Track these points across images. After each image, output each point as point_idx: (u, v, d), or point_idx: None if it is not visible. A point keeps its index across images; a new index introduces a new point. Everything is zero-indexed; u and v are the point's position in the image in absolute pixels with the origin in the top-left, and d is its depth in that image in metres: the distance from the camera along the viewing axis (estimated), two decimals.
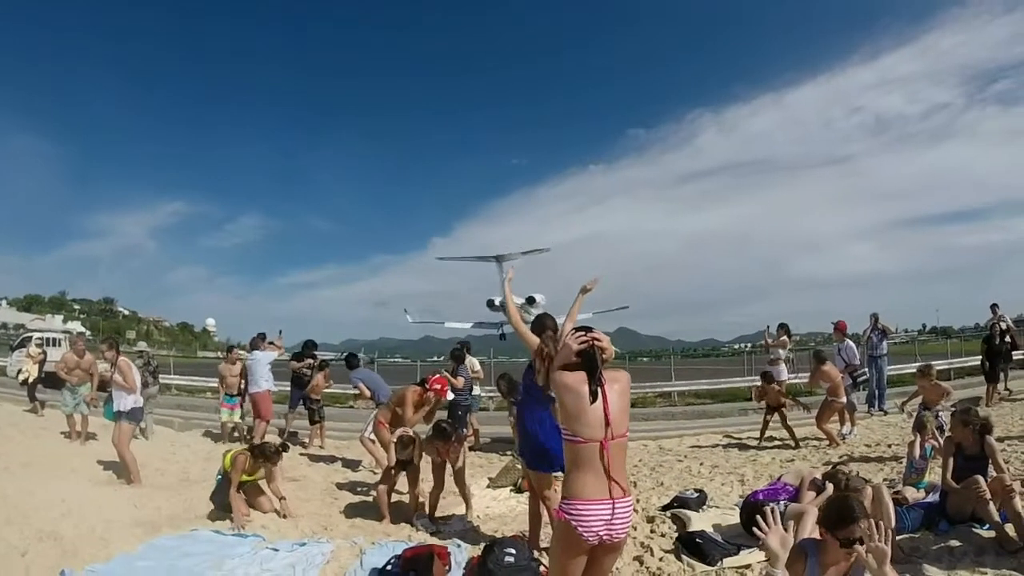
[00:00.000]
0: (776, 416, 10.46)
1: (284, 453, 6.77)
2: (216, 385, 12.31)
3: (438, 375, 8.28)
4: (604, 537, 2.96)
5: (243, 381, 10.91)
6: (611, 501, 2.97)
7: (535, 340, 4.74)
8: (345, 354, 10.44)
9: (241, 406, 11.13)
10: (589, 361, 3.05)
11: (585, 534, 2.93)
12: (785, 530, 3.01)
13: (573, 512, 2.96)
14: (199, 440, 11.35)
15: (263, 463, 6.58)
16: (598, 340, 3.08)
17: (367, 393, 9.45)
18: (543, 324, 4.83)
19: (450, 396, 8.71)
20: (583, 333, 3.11)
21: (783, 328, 12.67)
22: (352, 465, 9.56)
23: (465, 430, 10.36)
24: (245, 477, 6.48)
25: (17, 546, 4.91)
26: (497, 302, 25.08)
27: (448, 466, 6.58)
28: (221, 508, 6.45)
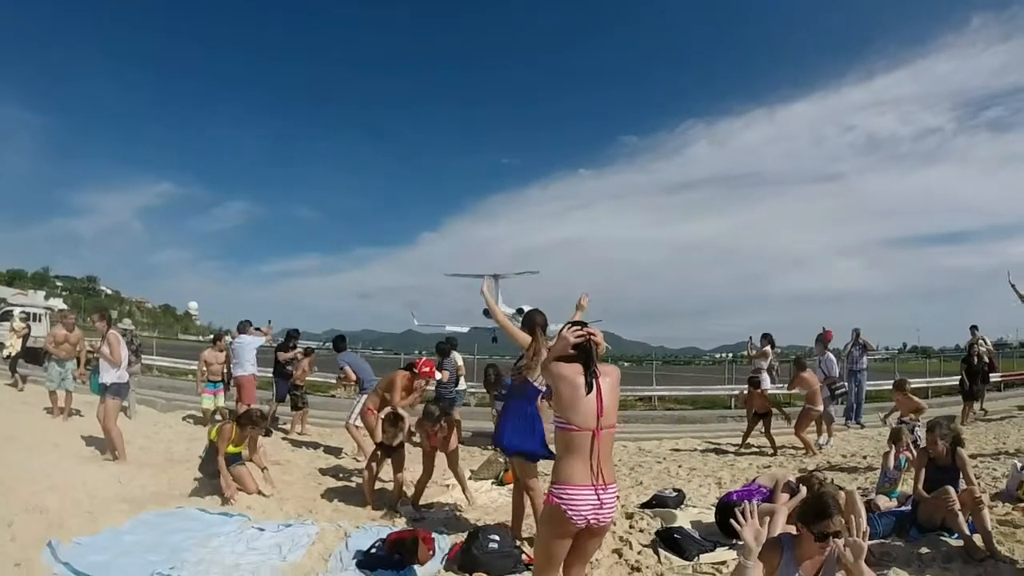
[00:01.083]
0: (760, 423, 10.62)
1: (268, 437, 6.80)
2: (195, 369, 12.34)
3: (424, 358, 8.26)
4: (591, 521, 3.09)
5: (227, 367, 10.93)
6: (599, 487, 3.10)
7: (524, 337, 4.86)
8: (333, 337, 10.35)
9: (225, 391, 11.10)
10: (585, 354, 3.19)
11: (574, 517, 3.06)
12: (762, 526, 3.14)
13: (564, 496, 3.08)
14: (182, 422, 11.34)
15: (250, 430, 6.67)
16: (593, 335, 3.21)
17: (352, 376, 9.38)
18: (533, 320, 4.94)
19: (437, 376, 8.72)
20: (579, 328, 3.24)
21: (767, 338, 12.80)
22: (335, 452, 9.61)
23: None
24: (231, 448, 6.54)
25: (3, 516, 4.92)
26: (493, 327, 25.62)
27: (438, 455, 6.62)
28: (210, 476, 6.52)
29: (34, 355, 14.75)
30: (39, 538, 4.65)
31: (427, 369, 7.79)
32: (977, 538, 4.84)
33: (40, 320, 23.65)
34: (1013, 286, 9.03)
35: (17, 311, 22.57)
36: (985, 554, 4.71)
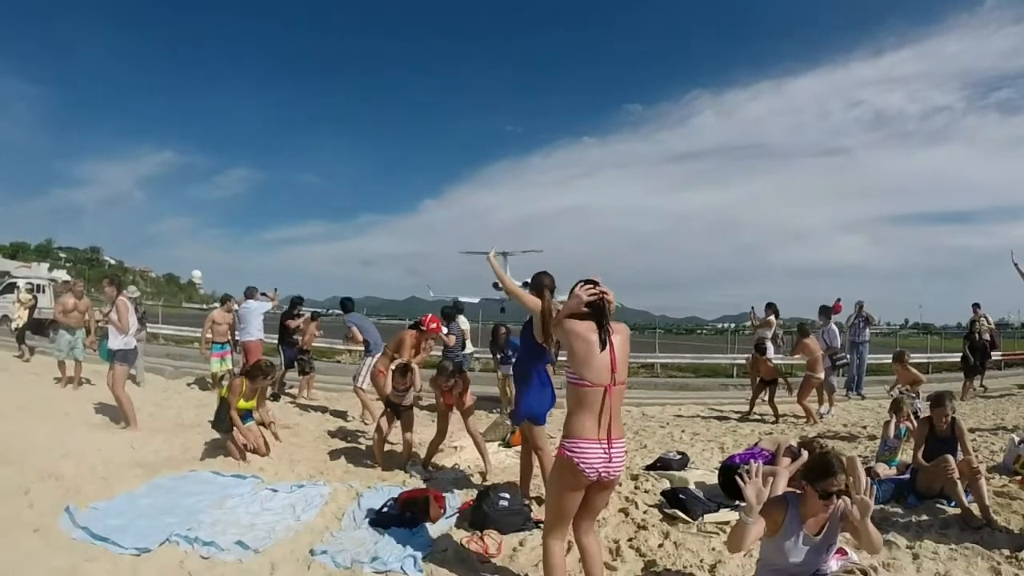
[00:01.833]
0: (766, 390, 10.75)
1: (276, 401, 6.86)
2: (200, 335, 12.45)
3: (430, 315, 8.30)
4: (602, 474, 3.18)
5: (231, 331, 11.05)
6: (610, 441, 3.19)
7: (533, 300, 4.85)
8: (341, 299, 10.32)
9: (232, 353, 11.21)
10: (598, 312, 3.25)
11: (586, 470, 3.15)
12: (765, 486, 3.24)
13: (576, 450, 3.16)
14: (190, 389, 11.49)
15: (260, 381, 6.85)
16: (606, 293, 3.27)
17: (359, 337, 9.44)
18: (540, 282, 4.85)
19: (443, 331, 8.72)
20: (592, 286, 3.28)
21: (771, 308, 12.83)
22: (342, 415, 9.69)
23: None
24: (243, 403, 6.67)
25: (19, 484, 5.03)
26: (500, 292, 25.90)
27: (452, 417, 6.64)
28: (224, 432, 6.61)
29: (38, 326, 14.86)
30: (56, 504, 4.72)
31: (434, 325, 7.85)
32: (974, 507, 4.94)
33: (44, 291, 23.71)
34: (1016, 265, 9.06)
35: (22, 283, 22.62)
36: (982, 522, 4.82)
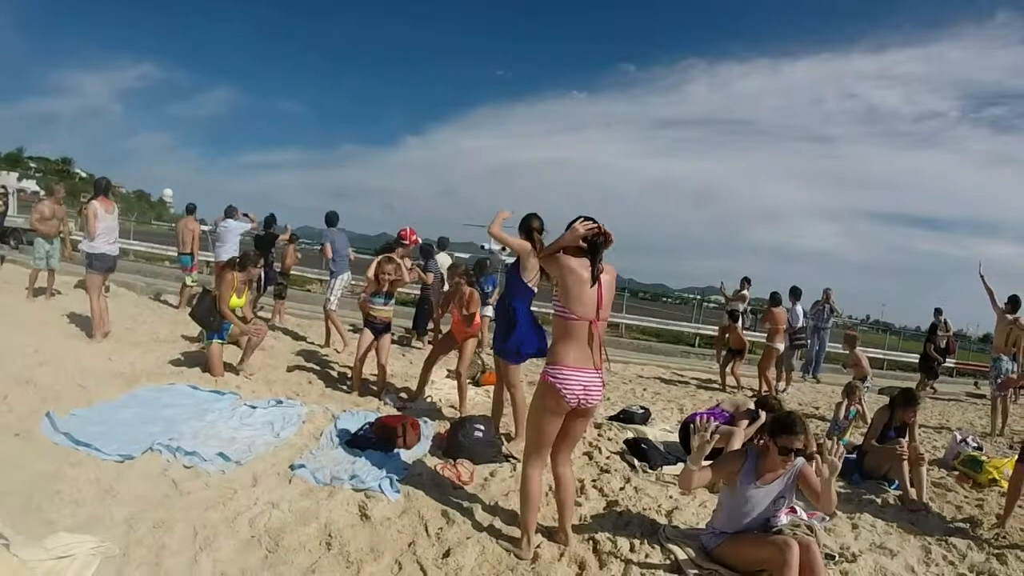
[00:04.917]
0: (733, 362, 11.08)
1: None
2: (171, 255, 12.31)
3: (409, 228, 8.29)
4: (582, 401, 3.37)
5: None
6: (591, 371, 3.38)
7: (520, 242, 4.94)
8: (327, 212, 10.23)
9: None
10: (594, 248, 3.36)
11: (568, 396, 3.33)
12: (709, 441, 3.46)
13: (560, 376, 3.33)
14: (162, 305, 11.44)
15: (252, 270, 7.01)
16: (604, 231, 3.37)
17: (329, 254, 9.58)
18: (528, 224, 4.95)
19: (418, 239, 8.90)
20: (591, 222, 3.37)
21: (746, 281, 13.08)
22: (316, 341, 9.73)
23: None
24: (234, 300, 6.72)
25: None
26: (488, 246, 26.69)
27: (441, 354, 6.69)
28: (201, 318, 6.73)
29: (1, 235, 14.52)
30: (35, 410, 4.74)
31: (414, 236, 8.05)
32: (913, 492, 5.28)
33: (9, 199, 23.05)
34: (982, 277, 9.33)
35: None
36: (919, 506, 5.16)
